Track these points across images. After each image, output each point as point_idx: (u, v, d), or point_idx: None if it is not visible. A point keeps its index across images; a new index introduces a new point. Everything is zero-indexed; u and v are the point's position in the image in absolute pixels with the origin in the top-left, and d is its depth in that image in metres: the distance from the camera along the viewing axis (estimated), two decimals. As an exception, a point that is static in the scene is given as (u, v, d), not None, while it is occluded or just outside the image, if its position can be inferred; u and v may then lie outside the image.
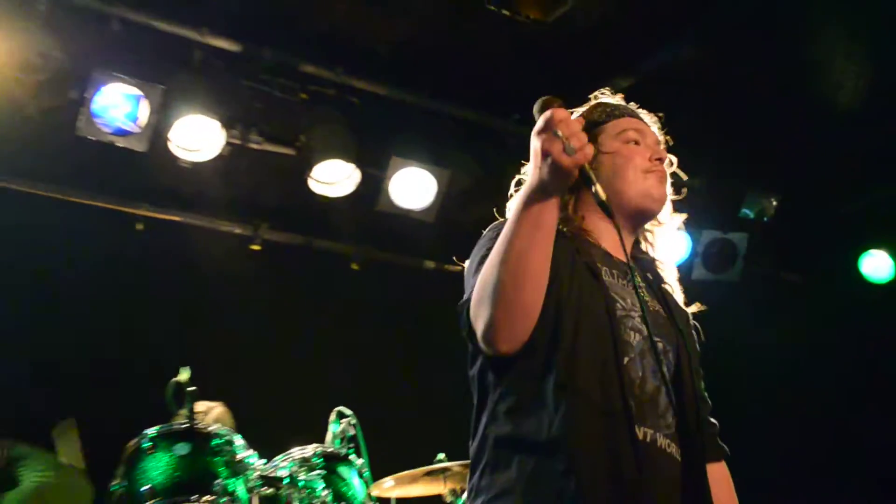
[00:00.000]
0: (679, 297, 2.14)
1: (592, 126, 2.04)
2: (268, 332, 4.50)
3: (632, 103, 2.13)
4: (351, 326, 4.76)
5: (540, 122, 1.57)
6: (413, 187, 4.48)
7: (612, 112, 2.10)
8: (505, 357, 1.76)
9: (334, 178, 4.36)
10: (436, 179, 4.48)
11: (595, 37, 4.05)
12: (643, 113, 2.14)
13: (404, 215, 4.54)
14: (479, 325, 1.73)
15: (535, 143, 1.59)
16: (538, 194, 1.61)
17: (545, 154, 1.54)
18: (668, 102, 2.19)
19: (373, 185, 4.43)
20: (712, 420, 2.10)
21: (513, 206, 1.83)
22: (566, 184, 1.64)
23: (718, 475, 2.05)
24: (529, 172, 1.66)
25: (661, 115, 2.15)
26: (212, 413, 3.88)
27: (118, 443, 3.23)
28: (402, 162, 4.40)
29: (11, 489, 3.49)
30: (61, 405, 3.86)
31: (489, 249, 1.77)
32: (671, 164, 2.08)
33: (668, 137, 2.11)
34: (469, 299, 1.76)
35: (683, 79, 4.20)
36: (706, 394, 2.09)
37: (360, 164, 4.35)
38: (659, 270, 2.12)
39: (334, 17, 4.11)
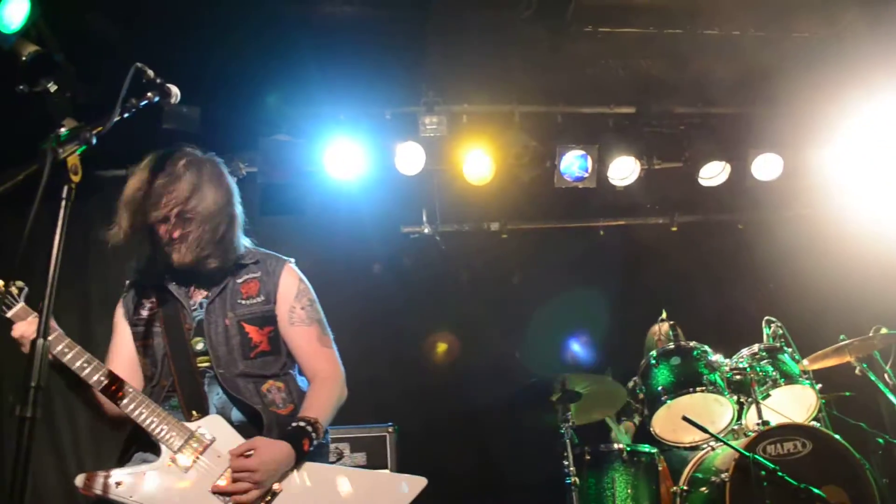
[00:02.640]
0: None
1: None
2: (697, 273, 6.47)
3: None
4: (747, 262, 6.52)
5: None
6: (768, 167, 6.22)
7: None
8: None
9: (712, 174, 6.28)
10: (782, 158, 6.21)
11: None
12: None
13: (769, 183, 6.29)
14: None
15: None
16: None
17: None
18: None
19: (739, 171, 6.22)
20: None
21: None
22: None
23: None
24: None
25: None
26: (661, 328, 5.33)
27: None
28: (756, 151, 6.20)
29: (575, 401, 4.75)
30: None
31: None
32: None
33: None
34: None
35: None
36: None
37: (727, 160, 6.23)
38: None
39: (688, 73, 5.95)
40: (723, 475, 4.16)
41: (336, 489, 2.30)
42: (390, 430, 4.74)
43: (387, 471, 2.24)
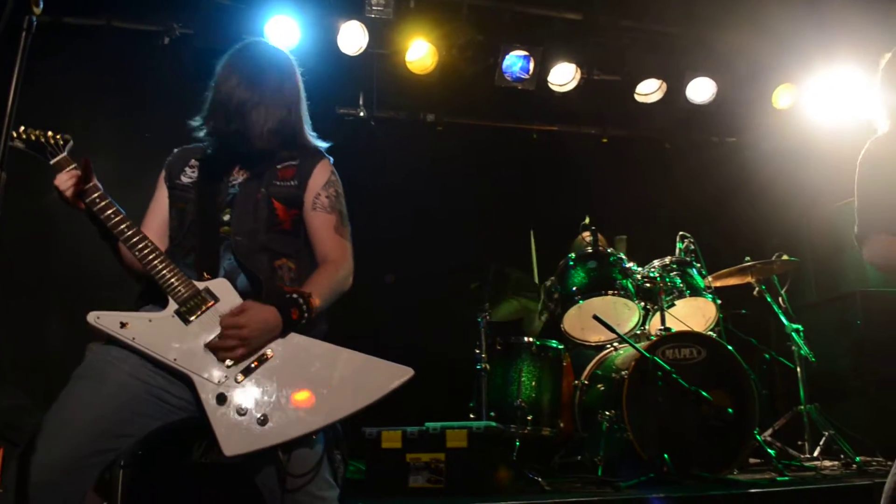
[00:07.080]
0: None
1: None
2: (620, 185, 6.62)
3: None
4: (668, 179, 6.70)
5: None
6: (702, 90, 6.44)
7: None
8: None
9: (649, 90, 6.48)
10: (716, 84, 6.42)
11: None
12: None
13: (699, 108, 6.52)
14: None
15: None
16: None
17: None
18: None
19: (674, 91, 6.41)
20: None
21: None
22: None
23: None
24: None
25: None
26: (584, 235, 5.48)
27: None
28: (693, 74, 6.38)
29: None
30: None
31: None
32: None
33: None
34: None
35: None
36: None
37: (664, 79, 6.40)
38: None
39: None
40: (623, 372, 4.45)
41: (325, 364, 2.35)
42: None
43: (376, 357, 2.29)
